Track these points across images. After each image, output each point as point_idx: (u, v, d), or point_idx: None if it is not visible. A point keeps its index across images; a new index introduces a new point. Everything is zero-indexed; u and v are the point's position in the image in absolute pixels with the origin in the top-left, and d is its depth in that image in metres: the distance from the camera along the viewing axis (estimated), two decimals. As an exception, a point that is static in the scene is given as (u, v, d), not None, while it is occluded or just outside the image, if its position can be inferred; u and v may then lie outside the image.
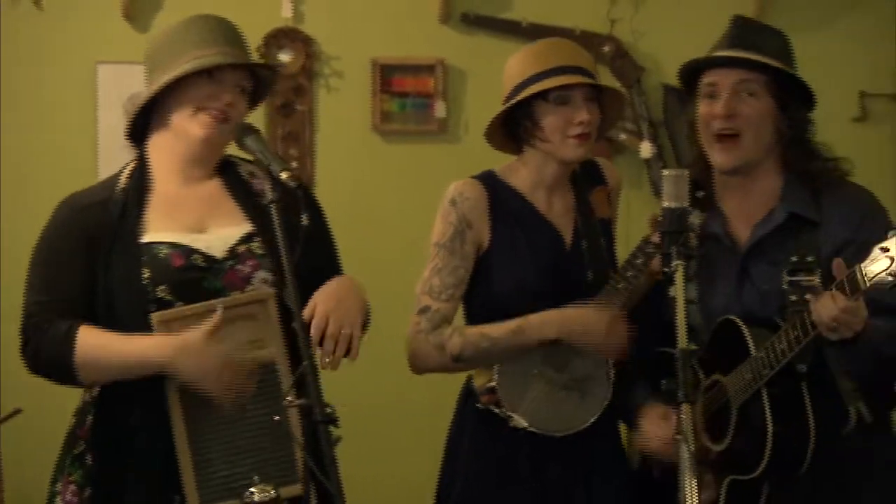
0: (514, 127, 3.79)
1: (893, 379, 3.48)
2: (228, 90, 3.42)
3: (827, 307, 3.18)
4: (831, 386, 3.43)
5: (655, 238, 3.60)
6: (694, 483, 2.88)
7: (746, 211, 3.61)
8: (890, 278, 3.03)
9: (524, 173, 3.81)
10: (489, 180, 3.80)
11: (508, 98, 3.76)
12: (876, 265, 3.05)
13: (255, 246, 3.41)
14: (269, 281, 3.39)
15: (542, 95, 3.70)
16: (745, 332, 3.45)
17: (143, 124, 3.49)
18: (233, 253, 3.40)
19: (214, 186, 3.49)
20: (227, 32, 3.46)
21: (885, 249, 3.04)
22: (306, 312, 3.27)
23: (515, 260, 3.74)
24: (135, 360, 3.29)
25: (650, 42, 5.69)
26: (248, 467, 3.31)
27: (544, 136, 3.72)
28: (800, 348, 3.29)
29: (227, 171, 3.52)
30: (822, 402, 3.40)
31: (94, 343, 3.31)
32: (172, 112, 3.43)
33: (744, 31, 3.60)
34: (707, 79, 3.59)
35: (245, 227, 3.43)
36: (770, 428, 3.38)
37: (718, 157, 3.56)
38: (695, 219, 3.61)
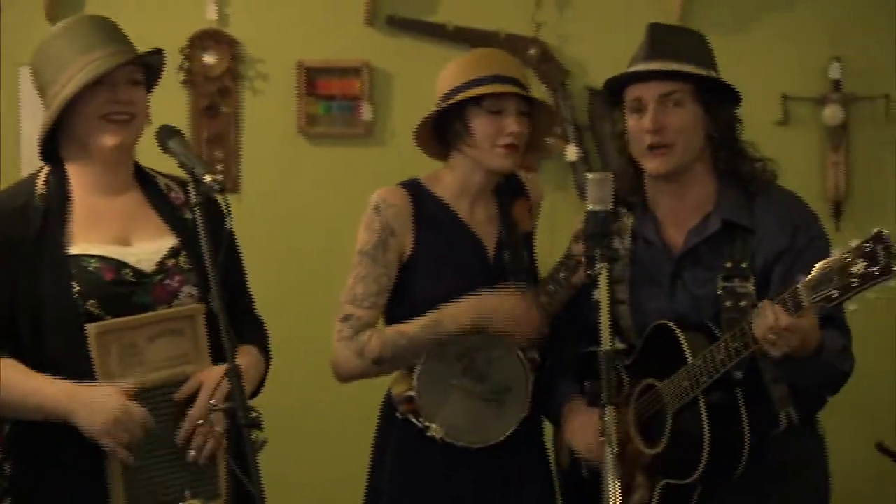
0: (444, 131, 3.79)
1: (830, 388, 3.51)
2: (123, 88, 3.38)
3: (768, 323, 3.19)
4: (763, 391, 3.46)
5: (578, 251, 3.62)
6: (617, 484, 2.89)
7: (680, 215, 3.62)
8: (835, 294, 3.06)
9: (449, 181, 3.81)
10: (414, 188, 3.80)
11: (443, 101, 3.76)
12: (818, 282, 3.08)
13: (182, 260, 3.39)
14: (195, 296, 3.37)
15: (477, 101, 3.71)
16: (681, 338, 3.47)
17: (53, 140, 3.43)
18: (162, 267, 3.37)
19: (135, 198, 3.46)
20: (106, 31, 3.41)
21: (828, 266, 3.06)
22: (186, 389, 3.28)
23: (438, 269, 3.74)
24: (34, 405, 3.22)
25: (575, 45, 5.71)
26: (178, 481, 3.29)
27: (473, 141, 3.73)
28: (739, 360, 3.31)
29: (145, 182, 3.49)
30: (754, 406, 3.43)
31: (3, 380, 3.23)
32: (77, 126, 3.39)
33: (661, 39, 3.60)
34: (631, 94, 3.60)
35: (170, 241, 3.41)
36: (707, 435, 3.40)
37: (651, 164, 3.58)
38: (627, 220, 3.64)
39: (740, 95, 3.62)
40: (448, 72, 3.79)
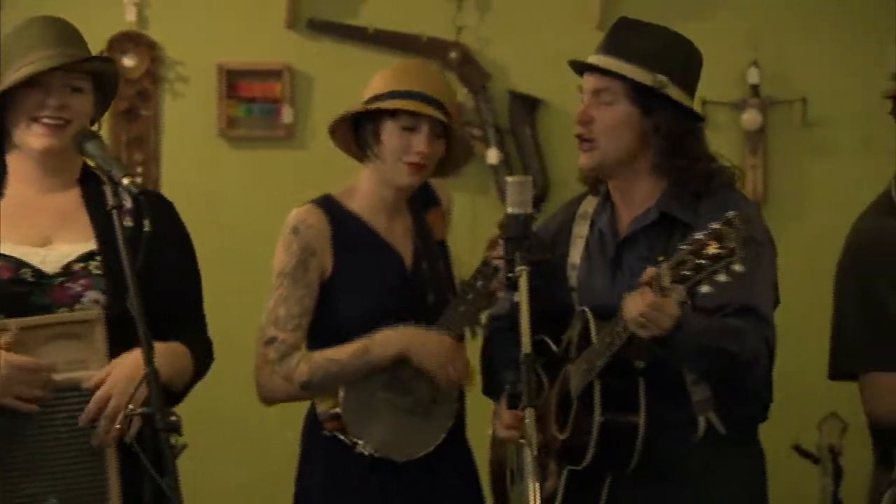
0: (360, 131, 3.79)
1: (744, 380, 3.47)
2: (56, 94, 3.34)
3: (635, 303, 3.17)
4: (683, 392, 3.46)
5: (496, 255, 3.62)
6: (537, 486, 2.90)
7: (629, 210, 3.60)
8: (689, 274, 3.00)
9: (362, 196, 3.80)
10: (329, 206, 3.79)
11: (365, 104, 3.76)
12: (677, 263, 3.05)
13: (93, 265, 3.34)
14: (100, 302, 3.32)
15: (392, 114, 3.71)
16: (591, 323, 3.46)
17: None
18: (67, 270, 3.33)
19: (72, 198, 3.43)
20: (54, 34, 3.38)
21: (686, 248, 3.03)
22: (95, 379, 3.24)
23: (359, 286, 3.74)
24: None
25: (496, 49, 5.72)
26: (47, 488, 3.24)
27: (381, 153, 3.73)
28: (621, 344, 3.28)
29: (89, 182, 3.45)
30: (670, 405, 3.41)
31: None
32: (11, 126, 3.37)
33: (619, 34, 3.56)
34: (582, 82, 3.61)
35: (89, 245, 3.37)
36: (597, 420, 3.37)
37: (581, 158, 3.57)
38: (587, 206, 3.64)
39: (692, 108, 3.60)
40: (379, 76, 3.80)
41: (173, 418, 2.99)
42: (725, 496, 3.49)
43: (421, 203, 3.87)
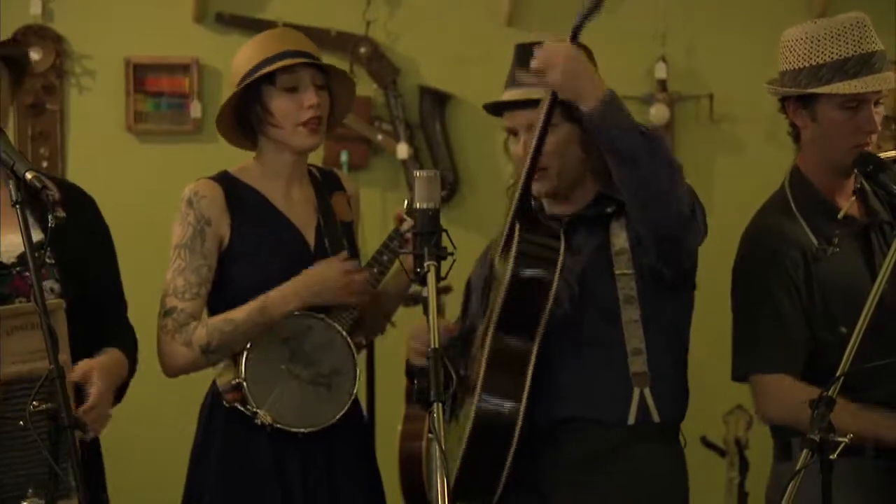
0: (247, 118, 3.78)
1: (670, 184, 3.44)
2: None
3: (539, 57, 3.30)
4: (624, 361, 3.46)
5: (404, 227, 3.65)
6: (445, 480, 2.91)
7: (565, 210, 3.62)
8: None
9: (257, 168, 3.81)
10: (223, 178, 3.79)
11: (238, 86, 3.76)
12: None
13: (46, 255, 3.33)
14: (56, 291, 3.34)
15: (271, 81, 3.71)
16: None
17: None
18: (22, 259, 3.33)
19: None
20: None
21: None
22: (79, 372, 3.27)
23: (257, 257, 3.74)
24: None
25: (406, 43, 5.73)
26: (22, 479, 3.22)
27: (276, 121, 3.73)
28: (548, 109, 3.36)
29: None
30: (603, 397, 3.45)
31: None
32: None
33: (525, 62, 3.56)
34: (505, 121, 3.59)
35: (37, 236, 3.34)
36: (477, 395, 3.35)
37: (534, 187, 3.56)
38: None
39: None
40: (239, 58, 3.79)
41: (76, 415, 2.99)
42: (652, 492, 3.53)
43: (327, 187, 3.88)
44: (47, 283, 3.34)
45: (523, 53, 3.55)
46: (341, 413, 3.73)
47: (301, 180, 3.84)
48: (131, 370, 3.52)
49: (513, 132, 3.58)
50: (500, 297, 3.37)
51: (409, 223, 3.62)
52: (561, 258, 3.36)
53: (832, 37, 3.60)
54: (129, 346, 3.54)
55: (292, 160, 3.80)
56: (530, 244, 3.38)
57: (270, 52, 3.72)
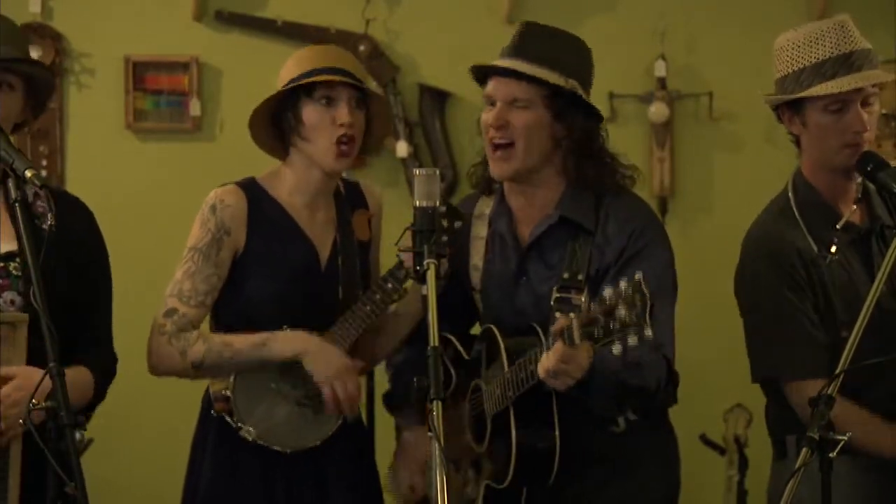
0: (279, 125, 3.77)
1: (653, 401, 3.52)
2: None
3: (548, 360, 3.22)
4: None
5: (407, 262, 3.63)
6: (444, 478, 2.91)
7: (529, 214, 3.64)
8: (599, 334, 3.03)
9: (286, 181, 3.79)
10: (251, 188, 3.78)
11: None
12: (588, 321, 3.06)
13: (12, 266, 3.34)
14: (16, 303, 3.33)
15: (308, 92, 3.69)
16: (501, 346, 3.50)
17: None
18: None
19: None
20: None
21: (597, 307, 3.05)
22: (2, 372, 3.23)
23: (268, 270, 3.73)
24: None
25: (405, 42, 5.72)
26: None
27: (306, 133, 3.71)
28: (527, 388, 3.34)
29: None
30: (583, 412, 3.46)
31: None
32: None
33: (529, 39, 3.59)
34: (487, 88, 3.61)
35: (9, 246, 3.35)
36: (514, 444, 3.43)
37: (494, 167, 3.59)
38: (483, 206, 3.66)
39: (598, 111, 3.63)
40: (291, 61, 3.79)
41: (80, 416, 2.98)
42: (642, 483, 3.55)
43: (350, 203, 3.86)
44: (7, 294, 3.33)
45: (529, 31, 3.59)
46: (324, 437, 3.71)
47: (327, 196, 3.82)
48: (97, 395, 3.47)
49: (490, 101, 3.58)
50: None
51: (407, 258, 3.59)
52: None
53: (811, 41, 3.59)
54: (99, 371, 3.49)
55: (319, 177, 3.77)
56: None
57: (315, 65, 3.71)
